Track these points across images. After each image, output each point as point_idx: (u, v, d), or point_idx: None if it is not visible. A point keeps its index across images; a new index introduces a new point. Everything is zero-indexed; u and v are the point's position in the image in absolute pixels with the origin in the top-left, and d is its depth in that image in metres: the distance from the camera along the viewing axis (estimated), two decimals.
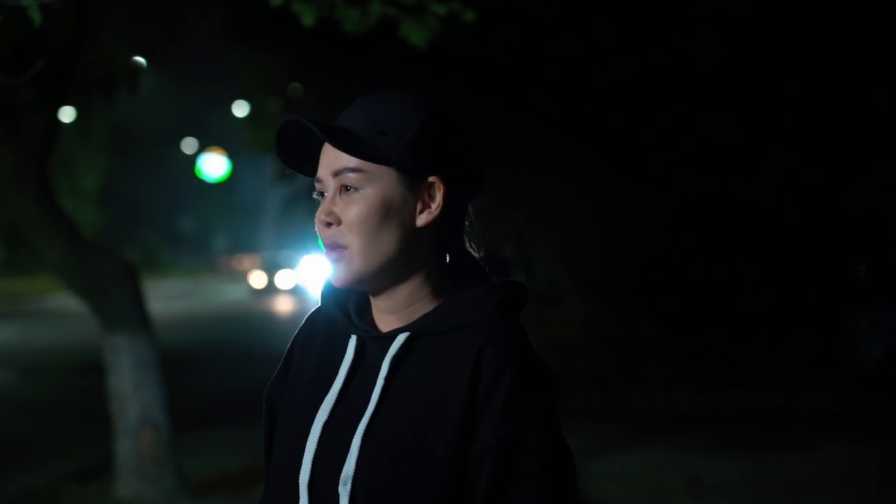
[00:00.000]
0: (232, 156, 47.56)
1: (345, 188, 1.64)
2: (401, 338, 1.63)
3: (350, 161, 1.63)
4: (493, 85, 14.80)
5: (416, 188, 1.64)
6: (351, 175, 1.63)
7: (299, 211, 23.40)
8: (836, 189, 13.82)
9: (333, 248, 1.64)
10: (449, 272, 1.71)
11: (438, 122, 1.66)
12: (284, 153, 1.71)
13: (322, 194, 1.67)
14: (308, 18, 5.12)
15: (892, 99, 12.99)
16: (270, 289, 34.64)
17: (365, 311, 1.72)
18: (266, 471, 1.75)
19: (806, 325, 13.79)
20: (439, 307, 1.65)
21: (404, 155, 1.62)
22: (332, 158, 1.65)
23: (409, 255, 1.65)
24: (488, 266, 1.75)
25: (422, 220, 1.65)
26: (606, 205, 14.91)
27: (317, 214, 1.65)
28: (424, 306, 1.67)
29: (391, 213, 1.63)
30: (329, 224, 1.64)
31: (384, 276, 1.65)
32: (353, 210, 1.62)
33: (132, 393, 7.21)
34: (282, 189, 24.61)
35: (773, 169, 13.85)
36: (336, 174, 1.64)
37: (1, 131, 6.97)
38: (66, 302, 23.42)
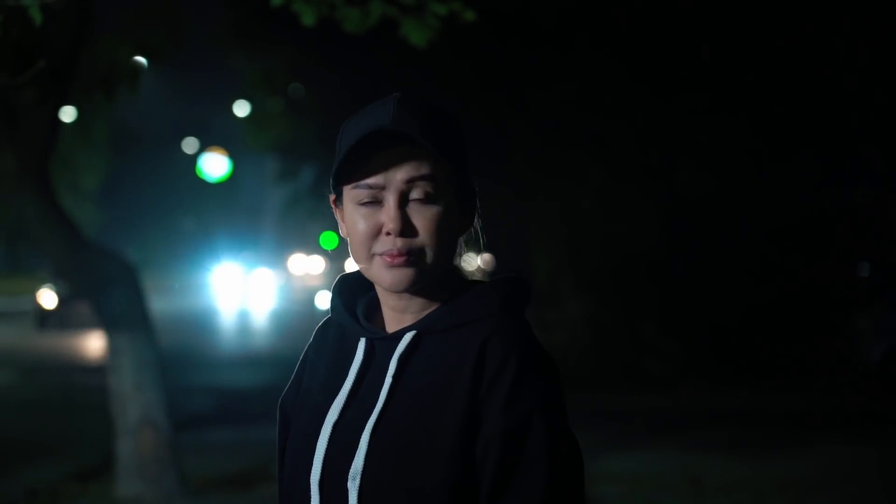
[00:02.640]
0: (233, 156, 47.57)
1: (415, 197, 1.64)
2: (407, 337, 1.66)
3: (429, 169, 1.64)
4: (493, 85, 14.81)
5: (465, 195, 1.71)
6: (427, 183, 1.64)
7: (300, 211, 23.41)
8: (837, 189, 13.82)
9: (402, 255, 1.64)
10: (456, 270, 1.75)
11: (461, 128, 1.71)
12: (344, 163, 1.66)
13: (373, 201, 1.65)
14: (308, 18, 5.12)
15: (892, 99, 12.99)
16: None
17: (373, 315, 1.75)
18: (280, 476, 1.78)
19: (807, 325, 13.78)
20: (443, 305, 1.69)
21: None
22: (409, 165, 1.64)
23: (453, 258, 1.72)
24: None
25: (463, 227, 1.72)
26: (607, 205, 14.91)
27: (381, 222, 1.64)
28: (433, 305, 1.70)
29: (454, 221, 1.68)
30: (404, 233, 1.64)
31: (434, 280, 1.69)
32: (434, 220, 1.65)
33: (133, 393, 7.21)
34: (283, 189, 24.59)
35: (775, 169, 13.84)
36: (410, 181, 1.64)
37: (2, 131, 6.97)
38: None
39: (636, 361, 14.12)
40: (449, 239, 1.67)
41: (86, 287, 7.31)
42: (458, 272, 1.75)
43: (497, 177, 15.04)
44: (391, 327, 1.72)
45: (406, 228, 1.64)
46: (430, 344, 1.66)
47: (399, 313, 1.71)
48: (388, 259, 1.65)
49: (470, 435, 1.59)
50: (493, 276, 1.76)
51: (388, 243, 1.64)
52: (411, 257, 1.64)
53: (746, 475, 8.06)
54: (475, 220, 1.74)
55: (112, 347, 7.26)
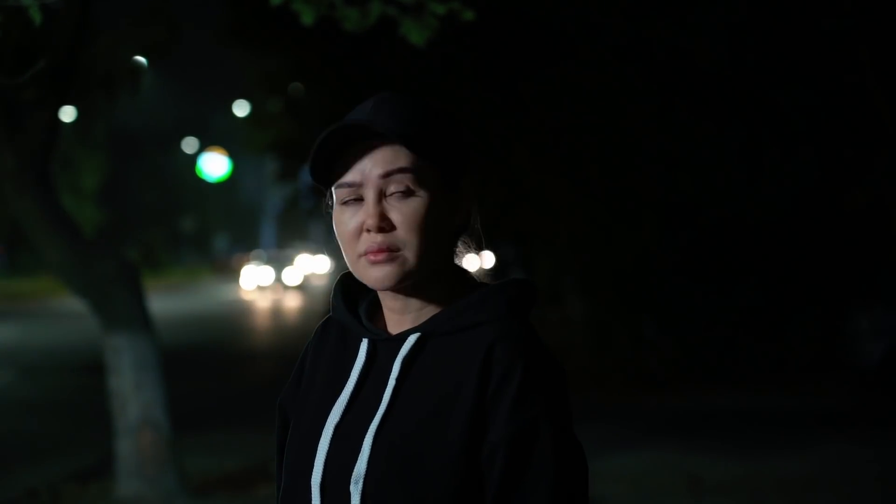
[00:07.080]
0: (232, 155, 47.63)
1: (393, 192, 1.62)
2: (411, 339, 1.64)
3: (405, 162, 1.62)
4: (494, 85, 14.81)
5: (453, 190, 1.66)
6: (404, 176, 1.62)
7: (300, 211, 23.43)
8: (836, 188, 13.82)
9: (384, 251, 1.62)
10: (457, 271, 1.73)
11: (457, 125, 1.69)
12: (318, 162, 1.65)
13: (355, 199, 1.64)
14: (307, 18, 5.12)
15: (891, 98, 12.99)
16: None
17: (375, 315, 1.73)
18: (278, 476, 1.76)
19: (806, 325, 13.78)
20: (449, 307, 1.66)
21: (450, 158, 1.67)
22: (383, 160, 1.63)
23: (446, 256, 1.68)
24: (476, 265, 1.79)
25: (455, 221, 1.68)
26: (608, 204, 14.91)
27: (363, 220, 1.63)
28: (435, 307, 1.68)
29: (440, 216, 1.64)
30: (382, 228, 1.62)
31: (425, 277, 1.66)
32: (411, 212, 1.62)
33: (133, 393, 7.21)
34: (282, 189, 24.62)
35: (774, 168, 13.84)
36: (387, 175, 1.62)
37: (2, 131, 6.97)
38: (67, 302, 23.42)
39: (636, 361, 14.13)
40: (434, 235, 1.63)
41: (86, 287, 7.31)
42: (462, 273, 1.72)
43: (498, 176, 15.05)
44: (392, 328, 1.70)
45: (385, 224, 1.62)
46: (434, 346, 1.64)
47: (398, 314, 1.69)
48: (371, 257, 1.63)
49: (475, 440, 1.57)
50: (497, 278, 1.74)
51: (368, 240, 1.63)
52: (392, 253, 1.62)
53: (746, 475, 8.06)
54: (472, 219, 1.71)
55: (112, 347, 7.25)
